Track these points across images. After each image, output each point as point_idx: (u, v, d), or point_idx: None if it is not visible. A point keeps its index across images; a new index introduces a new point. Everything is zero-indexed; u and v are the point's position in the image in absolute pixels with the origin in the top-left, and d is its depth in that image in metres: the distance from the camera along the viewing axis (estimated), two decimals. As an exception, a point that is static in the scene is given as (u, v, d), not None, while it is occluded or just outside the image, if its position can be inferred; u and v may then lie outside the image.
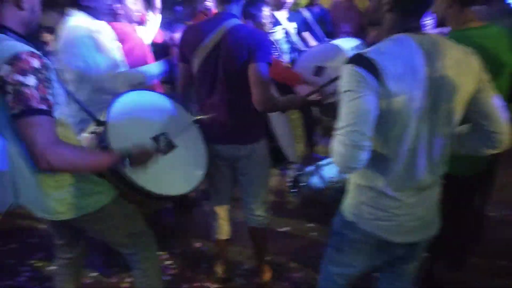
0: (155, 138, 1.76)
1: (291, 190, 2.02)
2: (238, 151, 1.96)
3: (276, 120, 2.10)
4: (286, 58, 3.62)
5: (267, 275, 2.31)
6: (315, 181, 2.01)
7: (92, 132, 1.67)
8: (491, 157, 1.84)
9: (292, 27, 3.60)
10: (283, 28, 3.54)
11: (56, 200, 1.43)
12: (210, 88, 1.92)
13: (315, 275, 2.35)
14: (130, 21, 2.62)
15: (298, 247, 2.70)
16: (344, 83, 1.15)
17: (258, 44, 1.75)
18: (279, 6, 3.52)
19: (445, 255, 2.02)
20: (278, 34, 3.55)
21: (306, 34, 3.73)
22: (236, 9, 1.86)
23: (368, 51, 1.15)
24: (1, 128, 1.32)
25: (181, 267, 2.56)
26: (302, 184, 1.94)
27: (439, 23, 2.57)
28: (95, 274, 2.50)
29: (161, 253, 2.69)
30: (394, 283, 1.52)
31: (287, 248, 2.70)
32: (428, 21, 2.82)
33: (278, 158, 2.12)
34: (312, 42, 3.70)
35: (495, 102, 1.23)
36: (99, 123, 1.64)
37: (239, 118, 1.90)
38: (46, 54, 1.43)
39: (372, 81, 1.11)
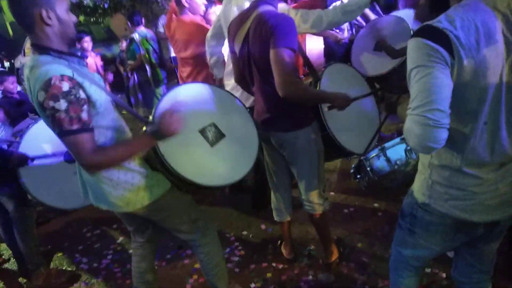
0: (202, 130, 1.78)
1: (356, 177, 1.95)
2: (282, 138, 1.96)
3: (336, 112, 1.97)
4: (345, 35, 3.51)
5: (333, 256, 2.31)
6: (380, 164, 1.94)
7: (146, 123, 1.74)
8: None
9: None
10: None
11: (115, 197, 1.57)
12: (250, 76, 1.95)
13: (382, 255, 2.33)
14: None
15: (364, 227, 2.67)
16: (412, 59, 1.08)
17: (278, 29, 1.69)
18: None
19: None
20: None
21: (366, 10, 3.56)
22: None
23: (437, 21, 1.06)
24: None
25: (248, 249, 2.65)
26: (367, 169, 1.87)
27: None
28: (169, 256, 2.69)
29: (228, 235, 2.82)
30: (472, 264, 1.45)
31: (353, 228, 2.67)
32: None
33: (335, 147, 2.04)
34: (372, 16, 3.53)
35: None
36: (147, 123, 1.67)
37: (276, 105, 1.89)
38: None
39: (443, 53, 1.03)
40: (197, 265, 2.51)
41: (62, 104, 1.28)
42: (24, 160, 2.29)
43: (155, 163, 1.65)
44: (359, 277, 2.23)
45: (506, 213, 1.23)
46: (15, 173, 2.31)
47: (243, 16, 1.91)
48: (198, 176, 1.66)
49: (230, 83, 2.63)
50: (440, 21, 1.06)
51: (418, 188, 1.32)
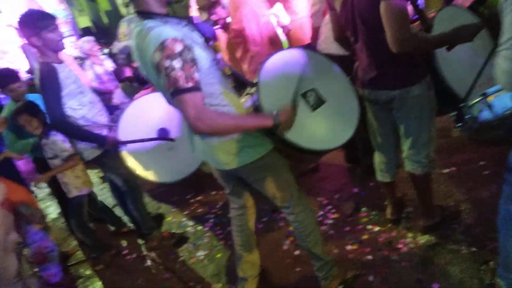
0: (304, 95, 1.83)
1: (457, 125, 1.82)
2: (391, 96, 1.87)
3: (448, 54, 1.82)
4: None
5: (433, 219, 2.20)
6: (483, 112, 1.77)
7: (247, 94, 1.84)
8: None
9: None
10: None
11: (222, 152, 1.65)
12: (354, 33, 1.87)
13: (490, 217, 2.15)
14: None
15: (468, 188, 2.47)
16: None
17: None
18: None
19: None
20: None
21: None
22: None
23: None
24: (171, 102, 1.56)
25: (341, 212, 2.65)
26: (468, 116, 1.73)
27: None
28: (265, 219, 2.82)
29: (320, 199, 2.85)
30: None
31: (456, 189, 2.50)
32: None
33: (448, 101, 1.92)
34: None
35: None
36: (253, 85, 1.78)
37: (385, 62, 1.80)
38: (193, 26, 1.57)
39: None
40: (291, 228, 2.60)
41: (178, 63, 1.35)
42: (116, 144, 2.57)
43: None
44: (465, 239, 2.10)
45: None
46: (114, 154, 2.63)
47: None
48: (301, 139, 1.70)
49: None
50: None
51: None
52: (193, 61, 1.40)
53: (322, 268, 1.97)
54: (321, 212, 2.70)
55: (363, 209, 2.60)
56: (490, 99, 1.79)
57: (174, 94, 1.38)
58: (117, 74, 4.45)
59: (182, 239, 2.92)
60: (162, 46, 1.34)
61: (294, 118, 1.64)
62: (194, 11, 4.26)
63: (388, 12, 1.59)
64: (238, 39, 2.95)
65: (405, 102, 1.86)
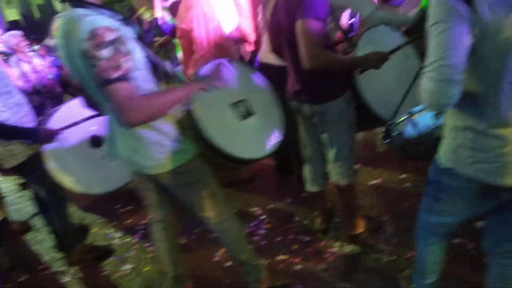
0: (235, 104, 1.86)
1: (384, 141, 1.93)
2: (314, 109, 1.94)
3: (370, 74, 1.94)
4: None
5: (359, 228, 2.30)
6: (407, 129, 1.90)
7: None
8: None
9: None
10: None
11: (144, 156, 1.57)
12: (282, 47, 1.93)
13: (409, 226, 2.29)
14: None
15: (391, 199, 2.63)
16: (432, 15, 1.05)
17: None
18: None
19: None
20: None
21: None
22: None
23: None
24: (97, 95, 1.48)
25: (274, 222, 2.68)
26: (394, 133, 1.84)
27: None
28: (197, 230, 2.75)
29: (255, 208, 2.85)
30: (501, 233, 1.40)
31: (379, 200, 2.64)
32: None
33: (370, 117, 2.02)
34: None
35: None
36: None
37: (305, 77, 1.87)
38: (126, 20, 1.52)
39: (462, 8, 0.99)
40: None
41: (106, 53, 1.28)
42: (52, 134, 2.35)
43: (187, 128, 1.68)
44: (386, 248, 2.21)
45: None
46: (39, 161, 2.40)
47: None
48: (228, 146, 1.71)
49: None
50: None
51: (443, 153, 1.28)
52: (126, 52, 1.34)
53: (250, 272, 1.95)
54: (254, 222, 2.71)
55: (296, 218, 2.65)
56: (415, 117, 1.92)
57: (103, 84, 1.30)
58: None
59: (107, 252, 2.75)
60: (93, 34, 1.27)
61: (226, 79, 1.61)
62: (159, 12, 4.26)
63: (302, 30, 1.66)
64: (185, 40, 2.92)
65: (326, 117, 1.94)
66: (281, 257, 2.33)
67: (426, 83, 1.05)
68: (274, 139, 1.94)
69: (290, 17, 1.72)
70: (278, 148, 1.95)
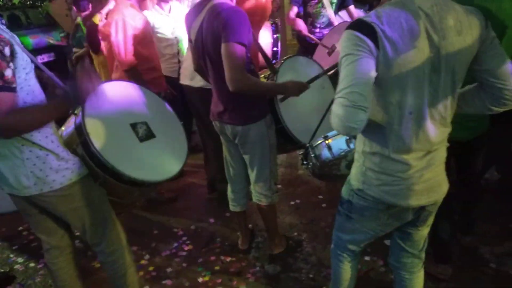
0: (133, 125, 1.83)
1: (302, 163, 2.05)
2: (235, 130, 1.99)
3: (290, 100, 2.05)
4: (317, 31, 3.64)
5: (279, 248, 2.37)
6: (323, 152, 2.03)
7: (72, 112, 1.70)
8: (490, 120, 1.85)
9: (329, 0, 3.60)
10: (322, 2, 3.56)
11: (23, 174, 1.43)
12: (206, 67, 1.97)
13: (325, 245, 2.43)
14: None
15: (309, 219, 2.76)
16: (343, 48, 1.16)
17: (229, 23, 1.70)
18: None
19: (452, 219, 2.05)
20: (315, 7, 3.58)
21: (351, 8, 3.71)
22: None
23: (368, 16, 1.15)
24: None
25: (196, 243, 2.64)
26: (311, 156, 1.96)
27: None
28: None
29: (176, 229, 2.79)
30: (405, 249, 1.55)
31: (298, 220, 2.75)
32: None
33: (289, 140, 2.14)
34: (356, 14, 3.66)
35: (504, 59, 1.22)
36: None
37: (229, 98, 1.91)
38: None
39: (370, 44, 1.11)
40: (143, 262, 2.46)
41: None
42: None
43: (76, 145, 1.59)
44: (304, 266, 2.31)
45: (430, 198, 1.34)
46: None
47: (199, 6, 1.90)
48: (121, 165, 1.63)
49: None
50: (370, 16, 1.14)
51: (354, 175, 1.40)
52: (8, 58, 1.25)
53: None
54: (175, 244, 2.64)
55: (218, 239, 2.64)
56: (330, 141, 2.07)
57: None
58: None
59: (8, 278, 2.46)
60: None
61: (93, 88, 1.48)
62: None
63: (227, 53, 1.71)
64: (106, 43, 2.90)
65: (247, 138, 1.99)
66: (202, 279, 2.30)
67: (336, 108, 1.14)
68: (175, 164, 1.92)
69: (215, 39, 1.76)
70: (209, 167, 1.96)
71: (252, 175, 2.12)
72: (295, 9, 3.56)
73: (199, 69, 2.11)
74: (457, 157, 1.89)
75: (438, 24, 1.14)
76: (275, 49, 3.46)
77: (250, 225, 2.55)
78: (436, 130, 1.25)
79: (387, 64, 1.13)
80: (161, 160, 1.89)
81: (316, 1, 3.52)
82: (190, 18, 1.95)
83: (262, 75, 2.25)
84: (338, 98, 1.13)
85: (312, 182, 3.14)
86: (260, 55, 2.24)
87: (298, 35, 3.72)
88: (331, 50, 3.33)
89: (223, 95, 1.94)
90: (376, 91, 1.17)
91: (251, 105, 1.95)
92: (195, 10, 1.92)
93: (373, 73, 1.13)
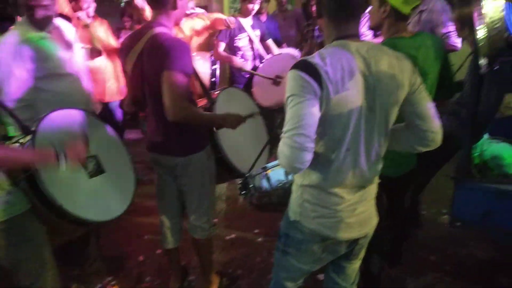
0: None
1: (241, 193, 2.02)
2: (174, 162, 1.93)
3: (227, 131, 2.04)
4: (249, 64, 3.71)
5: (213, 285, 2.27)
6: (262, 183, 2.04)
7: (17, 141, 1.57)
8: (418, 158, 1.99)
9: (256, 34, 3.68)
10: (248, 35, 3.64)
11: None
12: (143, 97, 1.91)
13: (261, 281, 2.37)
14: None
15: (244, 254, 2.70)
16: (289, 88, 1.20)
17: (172, 51, 1.69)
18: (245, 13, 3.60)
19: (382, 253, 2.13)
20: (242, 41, 3.64)
21: (270, 42, 3.82)
22: (166, 17, 1.82)
23: (312, 57, 1.20)
24: None
25: (123, 283, 2.44)
26: (251, 186, 1.95)
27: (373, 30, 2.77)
28: None
29: (100, 269, 2.56)
30: (338, 283, 1.56)
31: (233, 255, 2.68)
32: (367, 33, 3.02)
33: (228, 169, 2.11)
34: (276, 50, 3.79)
35: (428, 103, 1.33)
36: (28, 132, 1.54)
37: (168, 128, 1.87)
38: None
39: (314, 85, 1.16)
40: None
41: None
42: None
43: (19, 177, 1.46)
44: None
45: (362, 231, 1.39)
46: None
47: (137, 35, 1.85)
48: (69, 204, 1.52)
49: None
50: (314, 57, 1.20)
51: (291, 207, 1.41)
52: None
53: None
54: (99, 285, 2.42)
55: (147, 279, 2.47)
56: (269, 172, 2.08)
57: None
58: None
59: None
60: None
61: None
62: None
63: (168, 82, 1.69)
64: None
65: (187, 170, 1.94)
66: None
67: (283, 148, 1.17)
68: (123, 201, 1.83)
69: (156, 68, 1.73)
70: None
71: (191, 208, 2.05)
72: (222, 45, 3.63)
73: (136, 99, 2.04)
74: (388, 192, 1.98)
75: (373, 67, 1.22)
76: (213, 79, 3.50)
77: (182, 263, 2.42)
78: (370, 166, 1.31)
79: (329, 103, 1.18)
80: (109, 198, 1.78)
81: (242, 35, 3.63)
82: (126, 48, 1.89)
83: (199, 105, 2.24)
84: (285, 138, 1.16)
85: (249, 216, 3.10)
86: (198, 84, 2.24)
87: (232, 69, 3.79)
88: (278, 80, 3.44)
89: (162, 125, 1.87)
90: (318, 127, 1.20)
91: (192, 135, 1.91)
92: (132, 40, 1.87)
93: (318, 114, 1.18)
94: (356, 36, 1.27)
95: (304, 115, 1.15)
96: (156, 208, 2.18)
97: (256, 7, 3.58)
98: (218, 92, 2.26)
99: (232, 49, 3.67)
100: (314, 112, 1.17)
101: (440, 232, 2.83)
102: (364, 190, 1.34)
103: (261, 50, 3.73)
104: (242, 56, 3.68)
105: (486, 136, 2.44)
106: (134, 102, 2.09)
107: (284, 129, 1.18)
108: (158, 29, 1.78)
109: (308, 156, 1.16)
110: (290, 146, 1.15)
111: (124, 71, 1.98)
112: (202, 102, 2.23)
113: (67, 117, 1.79)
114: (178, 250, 2.30)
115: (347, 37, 1.24)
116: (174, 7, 1.80)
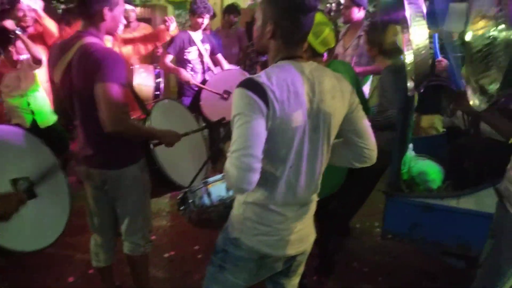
0: (15, 181, 1.59)
1: (179, 208, 1.97)
2: (106, 175, 1.85)
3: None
4: (199, 78, 3.72)
5: (150, 305, 2.18)
6: (202, 198, 2.00)
7: None
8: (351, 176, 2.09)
9: (205, 48, 3.72)
10: (197, 49, 3.67)
11: None
12: (72, 109, 1.83)
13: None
14: None
15: (184, 271, 2.62)
16: (236, 106, 1.18)
17: (105, 63, 1.65)
18: (195, 27, 3.65)
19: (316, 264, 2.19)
20: (192, 54, 3.66)
21: (220, 56, 3.86)
22: (95, 28, 1.76)
23: (258, 76, 1.21)
24: None
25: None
26: (189, 201, 1.90)
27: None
28: None
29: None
30: None
31: (172, 273, 2.60)
32: None
33: (165, 182, 2.06)
34: (225, 65, 3.81)
35: (365, 121, 1.40)
36: None
37: (100, 141, 1.80)
38: None
39: (261, 104, 1.16)
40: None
41: None
42: None
43: None
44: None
45: (301, 247, 1.41)
46: None
47: (66, 44, 1.77)
48: None
49: None
50: (260, 76, 1.20)
51: (232, 224, 1.39)
52: None
53: None
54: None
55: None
56: (210, 187, 2.06)
57: None
58: None
59: None
60: None
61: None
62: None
63: (103, 94, 1.63)
64: None
65: (120, 184, 1.87)
66: None
67: (230, 169, 1.16)
68: (53, 228, 1.72)
69: (85, 79, 1.66)
70: None
71: (124, 223, 1.96)
72: (170, 57, 3.64)
73: (63, 111, 1.94)
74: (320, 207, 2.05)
75: (317, 87, 1.26)
76: (157, 93, 3.45)
77: (117, 283, 2.30)
78: (312, 184, 1.34)
79: (275, 122, 1.19)
80: (40, 226, 1.65)
81: (192, 48, 3.65)
82: (54, 58, 1.81)
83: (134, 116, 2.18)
84: (232, 159, 1.15)
85: (189, 232, 3.02)
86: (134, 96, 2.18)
87: (180, 82, 3.77)
88: (226, 96, 3.49)
89: (93, 137, 1.80)
90: (265, 146, 1.21)
91: (124, 148, 1.84)
92: (60, 49, 1.79)
93: (264, 133, 1.17)
94: (301, 57, 1.30)
95: (251, 135, 1.15)
96: (87, 225, 2.06)
97: (205, 21, 3.64)
98: (153, 104, 2.22)
99: (182, 61, 3.69)
100: (261, 131, 1.17)
101: (373, 244, 2.98)
102: (305, 208, 1.37)
103: (211, 64, 3.76)
104: (192, 69, 3.70)
105: (413, 153, 2.63)
106: (60, 112, 1.99)
107: (231, 148, 1.16)
108: (88, 39, 1.72)
109: (255, 177, 1.15)
110: (237, 167, 1.13)
111: (52, 82, 1.88)
112: (136, 113, 2.17)
113: (4, 134, 1.66)
114: (112, 269, 2.18)
115: (292, 57, 1.27)
116: (102, 19, 1.74)
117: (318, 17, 1.98)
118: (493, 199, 1.70)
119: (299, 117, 1.22)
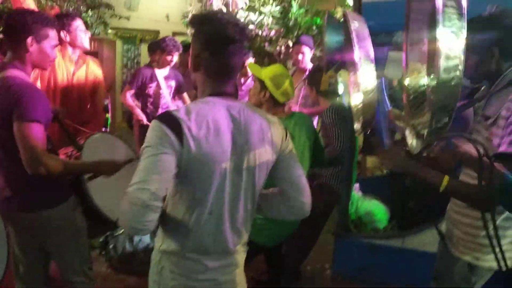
0: None
1: (100, 253, 1.81)
2: (31, 219, 1.69)
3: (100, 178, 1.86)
4: (159, 112, 3.68)
5: None
6: (124, 243, 1.87)
7: None
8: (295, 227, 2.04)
9: (170, 84, 3.77)
10: (158, 85, 3.70)
11: None
12: None
13: None
14: None
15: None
16: (147, 138, 1.10)
17: (23, 100, 1.54)
18: (163, 64, 3.68)
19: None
20: (153, 90, 3.70)
21: (185, 95, 3.92)
22: (19, 60, 1.66)
23: (177, 110, 1.13)
24: None
25: None
26: (111, 246, 1.76)
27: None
28: None
29: None
30: None
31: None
32: None
33: (101, 220, 1.88)
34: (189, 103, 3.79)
35: (298, 171, 1.30)
36: None
37: (21, 182, 1.65)
38: None
39: (173, 140, 1.07)
40: None
41: None
42: None
43: None
44: None
45: None
46: None
47: None
48: None
49: None
50: (179, 111, 1.12)
51: (150, 274, 1.25)
52: None
53: None
54: None
55: None
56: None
57: None
58: None
59: None
60: None
61: None
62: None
63: (21, 133, 1.52)
64: None
65: (48, 227, 1.71)
66: None
67: (122, 204, 1.03)
68: None
69: (4, 116, 1.54)
70: None
71: (60, 267, 1.80)
72: (131, 92, 3.68)
73: None
74: (267, 254, 1.99)
75: (243, 128, 1.17)
76: (103, 129, 3.33)
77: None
78: (235, 233, 1.22)
79: (190, 161, 1.10)
80: None
81: (155, 84, 3.69)
82: None
83: (65, 152, 2.03)
84: (128, 193, 1.03)
85: (113, 276, 2.77)
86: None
87: (136, 119, 3.72)
88: None
89: (14, 178, 1.65)
90: (178, 186, 1.12)
91: (49, 188, 1.68)
92: None
93: (172, 170, 1.08)
94: (230, 94, 1.23)
95: (155, 170, 1.04)
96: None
97: (175, 58, 3.68)
98: (86, 138, 2.09)
99: (143, 95, 3.73)
100: (168, 167, 1.07)
101: (324, 286, 2.91)
102: (229, 259, 1.24)
103: (169, 100, 3.77)
104: (152, 103, 3.73)
105: (360, 193, 2.68)
106: None
107: (132, 180, 1.05)
108: (10, 72, 1.61)
109: (152, 216, 1.03)
110: (130, 203, 1.01)
111: None
112: (67, 149, 2.03)
113: None
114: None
115: (220, 94, 1.20)
116: (26, 50, 1.64)
117: (280, 69, 2.06)
118: (436, 239, 1.72)
119: (218, 157, 1.13)
